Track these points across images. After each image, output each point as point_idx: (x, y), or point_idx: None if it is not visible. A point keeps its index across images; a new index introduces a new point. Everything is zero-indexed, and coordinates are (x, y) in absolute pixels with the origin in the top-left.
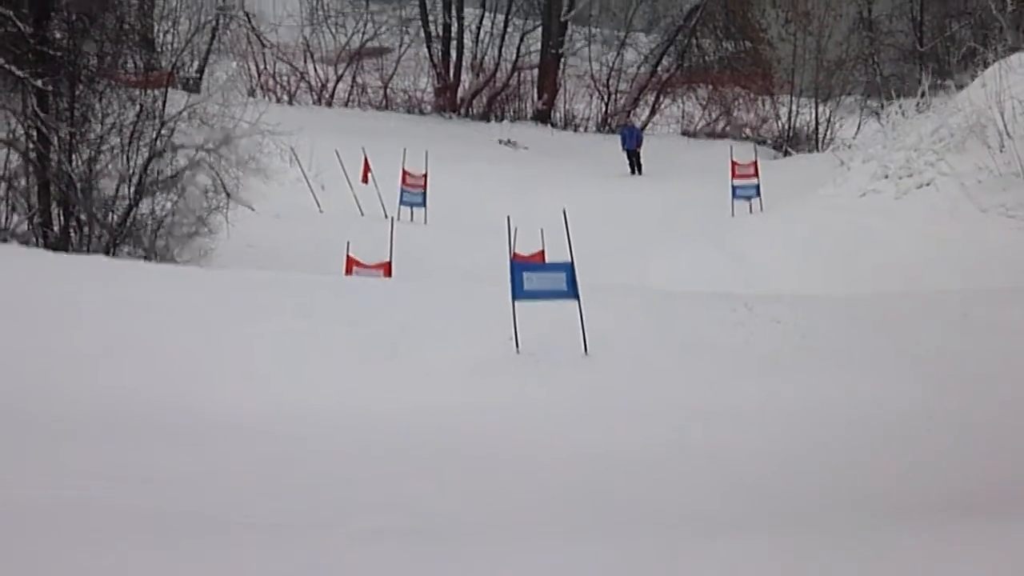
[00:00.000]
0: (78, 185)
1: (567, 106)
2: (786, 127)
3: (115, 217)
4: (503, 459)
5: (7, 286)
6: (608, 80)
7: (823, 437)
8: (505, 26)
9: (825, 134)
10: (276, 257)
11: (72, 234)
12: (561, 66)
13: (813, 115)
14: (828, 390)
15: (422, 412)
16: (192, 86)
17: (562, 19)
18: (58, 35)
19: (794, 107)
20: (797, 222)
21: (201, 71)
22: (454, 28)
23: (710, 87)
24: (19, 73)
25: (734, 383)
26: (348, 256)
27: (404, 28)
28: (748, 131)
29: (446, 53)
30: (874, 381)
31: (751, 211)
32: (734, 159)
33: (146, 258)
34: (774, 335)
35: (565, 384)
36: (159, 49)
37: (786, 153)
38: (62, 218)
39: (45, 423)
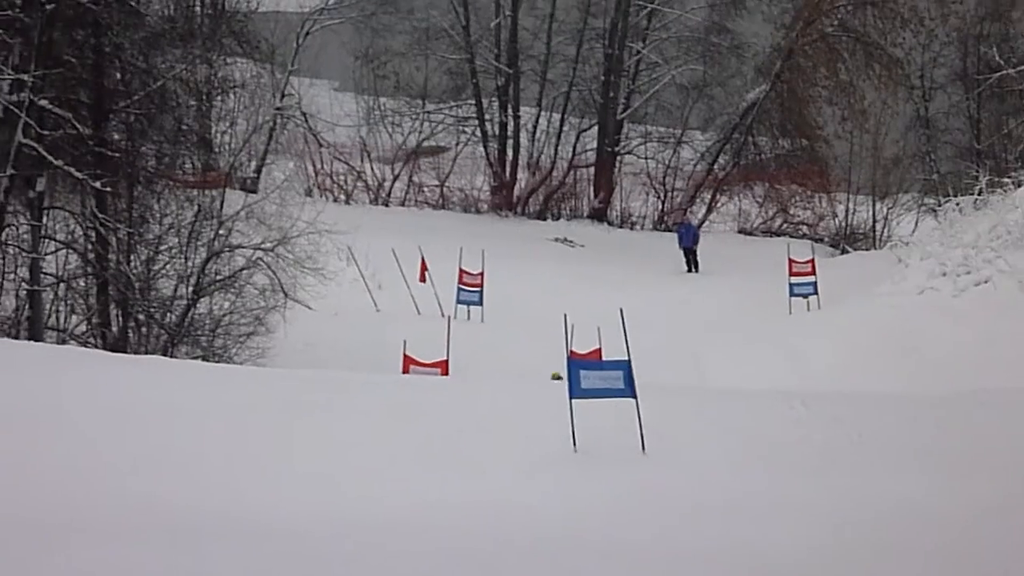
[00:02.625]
0: (136, 285)
1: (623, 204)
2: (843, 224)
3: (173, 317)
4: (561, 558)
5: (65, 389)
6: (664, 178)
7: (882, 537)
8: (561, 125)
9: (882, 232)
10: (333, 356)
11: (130, 335)
12: (617, 164)
13: (870, 212)
14: (887, 489)
15: (480, 510)
16: (250, 186)
17: (618, 117)
18: (116, 136)
19: (851, 204)
20: (855, 320)
21: (259, 171)
22: (510, 127)
23: (767, 185)
24: (78, 175)
25: (792, 481)
26: (405, 355)
27: (460, 127)
28: (805, 228)
29: (502, 152)
30: (935, 481)
31: (808, 309)
32: (791, 256)
33: (204, 358)
34: (832, 433)
35: (622, 483)
36: (217, 149)
37: (843, 251)
38: (120, 319)
39: (95, 527)
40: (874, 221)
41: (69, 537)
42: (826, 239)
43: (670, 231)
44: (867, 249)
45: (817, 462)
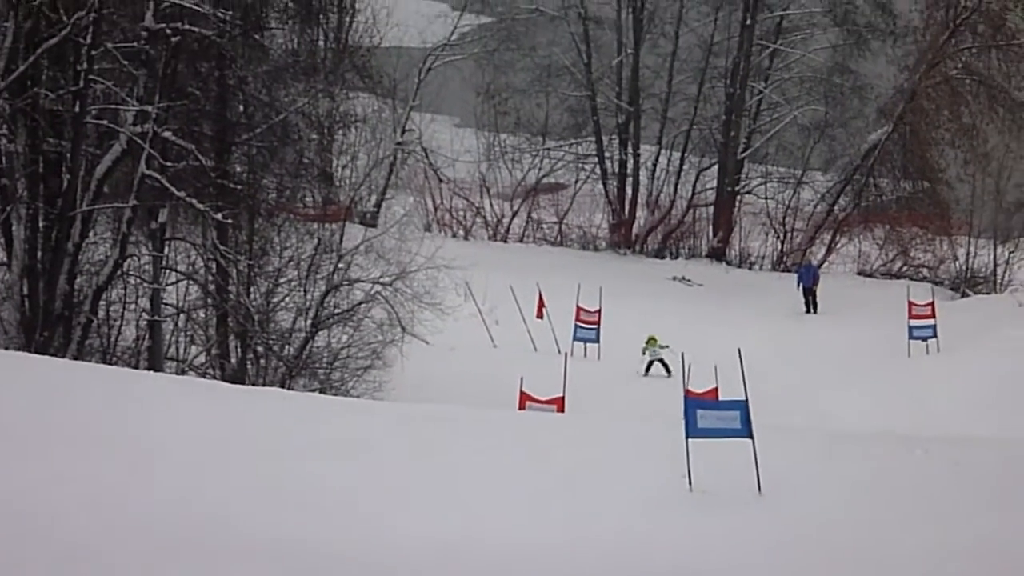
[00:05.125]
0: (256, 317)
1: (742, 243)
2: (964, 268)
3: (291, 350)
4: None
5: (183, 420)
6: (784, 218)
7: None
8: (681, 163)
9: (1003, 276)
10: (450, 391)
11: (249, 366)
12: (737, 204)
13: (991, 256)
14: (1008, 536)
15: (594, 549)
16: (369, 220)
17: (738, 157)
18: (238, 168)
19: (972, 248)
20: (976, 364)
21: (378, 205)
22: (630, 164)
23: (887, 227)
24: (200, 206)
25: (910, 527)
26: (522, 391)
27: (580, 164)
28: (925, 271)
29: (622, 189)
30: None
31: (928, 352)
32: (911, 299)
33: (321, 391)
34: (952, 478)
35: (738, 524)
36: (337, 183)
37: (964, 294)
38: (239, 350)
39: (197, 556)
40: (995, 265)
41: (165, 566)
42: (946, 282)
43: (789, 271)
44: (988, 293)
45: (937, 508)
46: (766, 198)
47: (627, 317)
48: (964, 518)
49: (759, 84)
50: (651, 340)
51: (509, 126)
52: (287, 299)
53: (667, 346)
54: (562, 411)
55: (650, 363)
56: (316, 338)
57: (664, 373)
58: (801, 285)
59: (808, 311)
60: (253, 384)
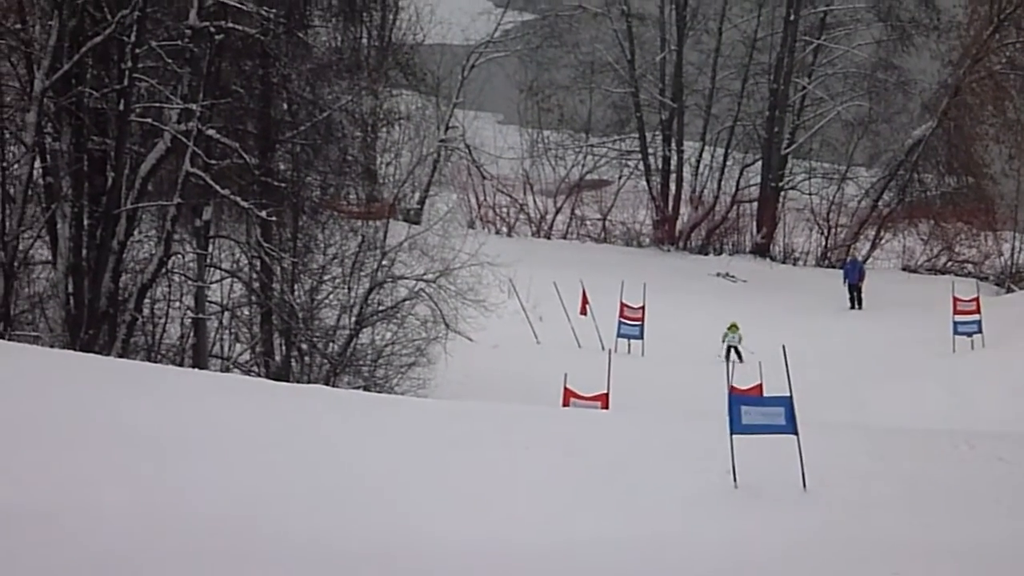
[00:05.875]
0: (300, 315)
1: (786, 239)
2: (1009, 263)
3: (335, 347)
4: None
5: (227, 418)
6: (828, 214)
7: None
8: (725, 159)
9: None
10: (494, 387)
11: (293, 364)
12: (781, 199)
13: None
14: None
15: (638, 546)
16: (413, 217)
17: (782, 153)
18: (282, 166)
19: (1017, 243)
20: (1021, 360)
21: (422, 202)
22: (673, 161)
23: (932, 222)
24: (244, 204)
25: (955, 523)
26: (565, 387)
27: (623, 161)
28: (970, 267)
29: (665, 186)
30: None
31: (973, 347)
32: (955, 294)
33: (366, 388)
34: (997, 474)
35: (784, 521)
36: (381, 181)
37: (1009, 289)
38: (284, 348)
39: (236, 554)
40: None
41: (199, 567)
42: (991, 277)
43: (833, 267)
44: None
45: (982, 504)
46: (810, 194)
47: (671, 313)
48: (1009, 514)
49: (803, 80)
50: (732, 327)
51: (552, 123)
52: (331, 296)
53: (740, 338)
54: (606, 408)
55: (728, 348)
56: (360, 335)
57: (736, 359)
58: (847, 281)
59: (853, 307)
60: (297, 381)
